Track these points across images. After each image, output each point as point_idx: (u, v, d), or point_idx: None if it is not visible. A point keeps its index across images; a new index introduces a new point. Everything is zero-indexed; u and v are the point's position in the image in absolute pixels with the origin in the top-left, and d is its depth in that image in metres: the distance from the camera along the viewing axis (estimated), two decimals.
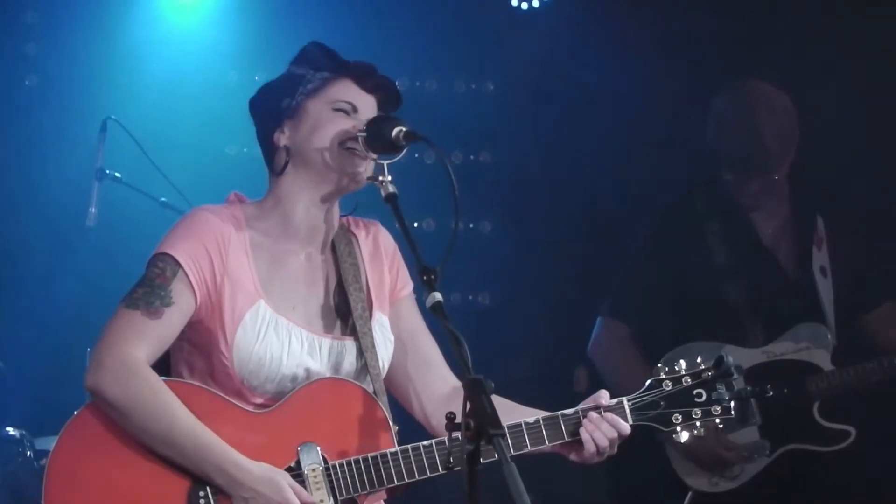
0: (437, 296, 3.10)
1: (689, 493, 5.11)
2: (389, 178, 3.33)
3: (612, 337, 5.26)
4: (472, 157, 7.04)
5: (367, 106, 3.42)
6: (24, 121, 6.66)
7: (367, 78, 3.41)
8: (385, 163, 3.34)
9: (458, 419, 2.85)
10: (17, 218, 6.64)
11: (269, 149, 3.44)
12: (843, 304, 5.13)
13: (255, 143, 6.80)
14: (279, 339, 3.29)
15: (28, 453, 5.48)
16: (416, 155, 6.72)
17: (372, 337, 3.39)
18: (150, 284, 3.28)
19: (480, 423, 2.81)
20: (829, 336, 5.06)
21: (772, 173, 5.22)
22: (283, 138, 3.40)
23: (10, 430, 5.52)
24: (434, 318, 3.10)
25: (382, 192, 3.33)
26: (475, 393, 2.86)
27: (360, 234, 3.52)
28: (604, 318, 5.30)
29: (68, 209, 6.28)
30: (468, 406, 2.84)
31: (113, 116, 6.09)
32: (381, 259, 3.49)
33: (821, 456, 5.01)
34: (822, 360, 5.06)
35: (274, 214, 3.40)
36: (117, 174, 6.04)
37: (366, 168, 3.36)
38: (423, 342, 3.55)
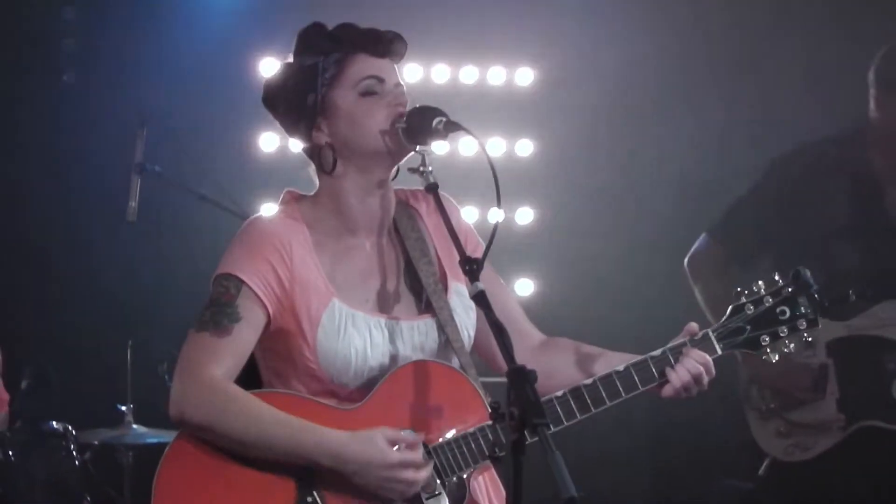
0: (480, 285, 3.10)
1: (767, 460, 5.15)
2: (430, 168, 3.33)
3: (707, 254, 5.32)
4: (512, 146, 7.05)
5: (389, 69, 3.38)
6: (62, 117, 6.70)
7: (376, 45, 3.38)
8: (426, 153, 3.35)
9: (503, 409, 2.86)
10: (57, 214, 6.70)
11: (310, 148, 3.44)
12: None
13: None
14: (360, 333, 3.29)
15: (71, 446, 5.53)
16: (455, 145, 6.75)
17: (450, 310, 3.37)
18: (216, 305, 3.26)
19: (524, 412, 2.82)
20: None
21: None
22: (322, 136, 3.38)
23: (54, 424, 5.57)
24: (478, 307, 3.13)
25: (423, 183, 3.32)
26: (518, 382, 2.86)
27: (421, 207, 3.50)
28: (707, 234, 5.36)
29: (108, 204, 6.31)
30: (512, 395, 2.85)
31: (151, 111, 6.12)
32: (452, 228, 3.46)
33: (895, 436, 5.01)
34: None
35: (330, 211, 3.39)
36: (157, 168, 6.08)
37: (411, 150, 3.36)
38: (504, 302, 3.51)
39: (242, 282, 3.27)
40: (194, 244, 6.00)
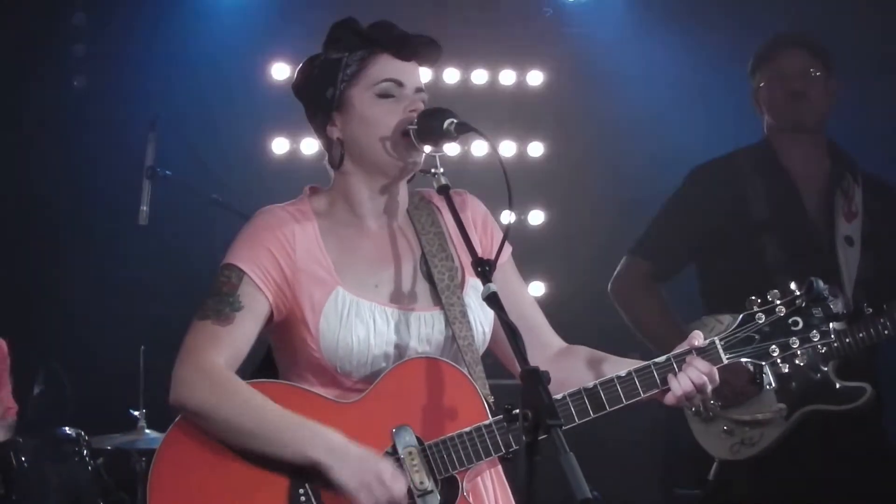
0: (493, 287, 3.08)
1: (714, 464, 5.15)
2: (442, 169, 3.30)
3: (633, 273, 5.33)
4: (523, 148, 7.06)
5: (411, 74, 3.38)
6: (73, 121, 6.73)
7: (402, 47, 3.38)
8: (437, 155, 3.36)
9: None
10: (68, 218, 6.72)
11: (324, 142, 3.47)
12: (869, 282, 5.14)
13: (304, 137, 6.90)
14: (363, 322, 3.29)
15: (84, 452, 5.55)
16: (466, 147, 6.77)
17: (462, 307, 3.36)
18: (217, 294, 3.28)
19: (538, 413, 2.83)
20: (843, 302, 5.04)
21: (813, 135, 5.25)
22: (335, 131, 3.41)
23: (67, 430, 5.59)
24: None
25: (435, 184, 3.31)
26: (532, 383, 2.87)
27: (444, 206, 3.47)
28: (629, 255, 5.37)
29: (120, 208, 6.36)
30: (525, 396, 2.86)
31: (162, 115, 6.15)
32: (471, 225, 3.48)
33: (839, 416, 5.02)
34: (835, 332, 5.05)
35: (341, 204, 3.41)
36: (167, 172, 6.10)
37: (421, 156, 3.37)
38: (526, 307, 3.52)
39: (243, 272, 3.29)
40: (206, 248, 5.98)
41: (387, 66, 3.37)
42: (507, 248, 3.40)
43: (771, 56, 5.31)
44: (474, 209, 3.50)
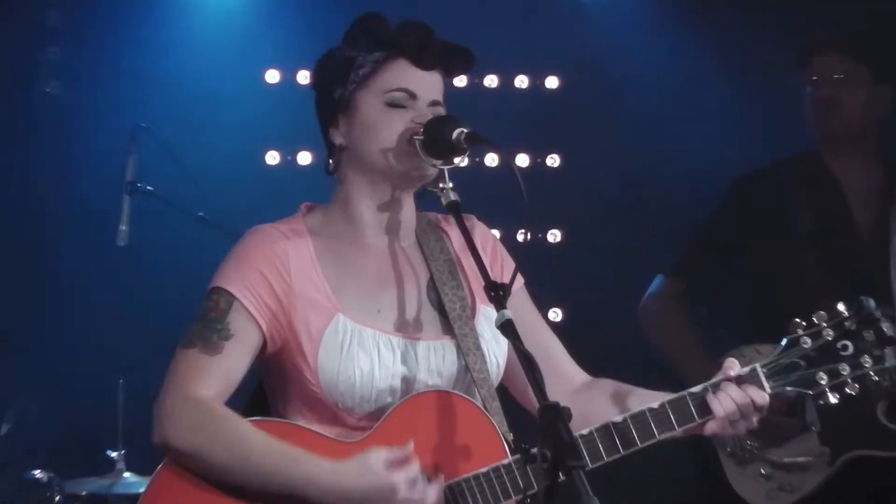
0: (507, 314, 3.09)
1: None
2: (451, 184, 3.32)
3: (668, 294, 5.30)
4: (539, 160, 7.05)
5: (429, 86, 3.39)
6: (45, 131, 6.71)
7: (421, 54, 3.37)
8: (445, 168, 3.34)
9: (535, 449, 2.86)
10: (40, 238, 6.70)
11: (327, 147, 3.46)
12: None
13: (300, 149, 6.89)
14: (366, 352, 3.28)
15: (57, 498, 5.52)
16: (478, 159, 6.76)
17: (475, 337, 3.37)
18: (204, 320, 3.29)
19: (558, 452, 2.81)
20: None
21: (859, 145, 5.23)
22: (338, 135, 3.41)
23: (37, 473, 5.56)
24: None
25: (443, 201, 3.31)
26: (551, 420, 2.85)
27: (453, 231, 3.51)
28: (663, 276, 5.35)
29: (97, 228, 6.33)
30: (544, 434, 2.83)
31: (143, 124, 6.14)
32: (481, 249, 3.44)
33: (888, 462, 4.98)
34: (891, 357, 5.00)
35: (341, 218, 3.41)
36: (149, 187, 6.09)
37: (427, 167, 3.34)
38: (542, 338, 3.54)
39: (233, 296, 3.28)
40: (192, 271, 5.96)
41: (402, 74, 3.39)
42: (520, 278, 3.40)
43: (805, 60, 5.32)
44: (483, 235, 3.51)
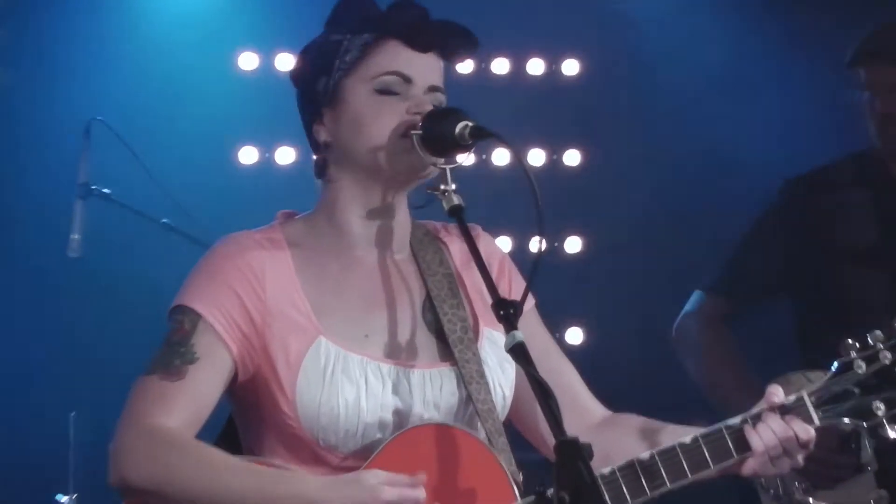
0: (519, 335, 3.01)
1: None
2: (453, 186, 3.28)
3: (708, 313, 5.31)
4: (555, 157, 7.06)
5: (425, 68, 3.35)
6: None
7: (416, 34, 3.35)
8: (448, 168, 3.33)
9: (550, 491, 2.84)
10: None
11: (312, 145, 3.45)
12: None
13: (280, 145, 6.91)
14: (352, 381, 3.24)
15: None
16: (485, 156, 6.76)
17: (479, 365, 3.34)
18: (167, 343, 3.27)
19: (577, 496, 2.79)
20: None
21: None
22: (322, 132, 3.38)
23: None
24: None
25: (445, 205, 3.25)
26: (570, 458, 2.83)
27: (453, 243, 3.50)
28: (701, 292, 5.35)
29: (46, 236, 6.34)
30: (560, 475, 2.81)
31: (100, 118, 6.14)
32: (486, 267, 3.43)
33: None
34: None
35: (326, 225, 3.38)
36: (106, 190, 6.08)
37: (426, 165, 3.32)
38: (557, 366, 3.51)
39: (199, 315, 3.25)
40: (155, 287, 5.96)
41: (394, 57, 3.36)
42: (531, 298, 3.39)
43: (856, 65, 5.32)
44: (489, 248, 3.49)
